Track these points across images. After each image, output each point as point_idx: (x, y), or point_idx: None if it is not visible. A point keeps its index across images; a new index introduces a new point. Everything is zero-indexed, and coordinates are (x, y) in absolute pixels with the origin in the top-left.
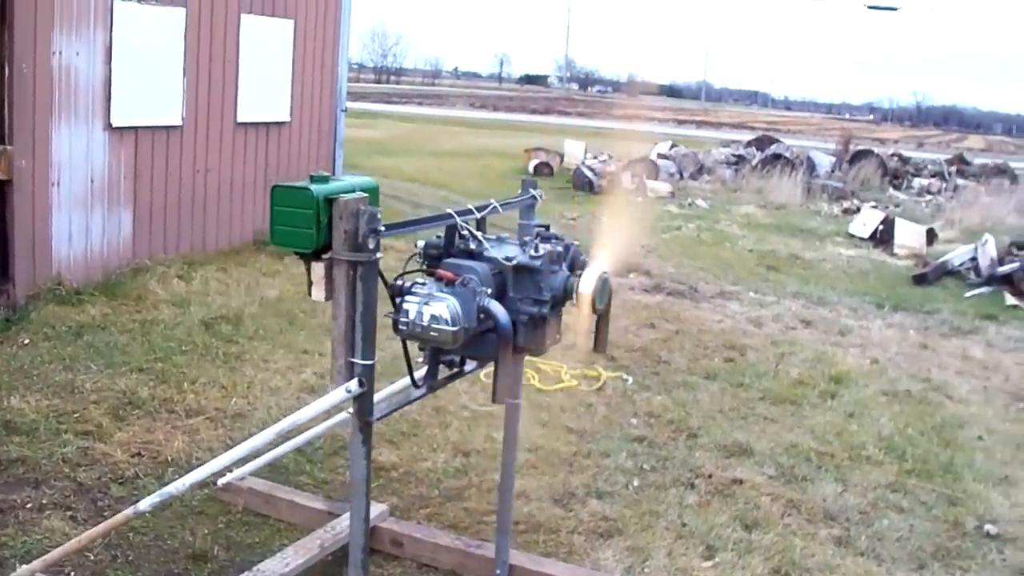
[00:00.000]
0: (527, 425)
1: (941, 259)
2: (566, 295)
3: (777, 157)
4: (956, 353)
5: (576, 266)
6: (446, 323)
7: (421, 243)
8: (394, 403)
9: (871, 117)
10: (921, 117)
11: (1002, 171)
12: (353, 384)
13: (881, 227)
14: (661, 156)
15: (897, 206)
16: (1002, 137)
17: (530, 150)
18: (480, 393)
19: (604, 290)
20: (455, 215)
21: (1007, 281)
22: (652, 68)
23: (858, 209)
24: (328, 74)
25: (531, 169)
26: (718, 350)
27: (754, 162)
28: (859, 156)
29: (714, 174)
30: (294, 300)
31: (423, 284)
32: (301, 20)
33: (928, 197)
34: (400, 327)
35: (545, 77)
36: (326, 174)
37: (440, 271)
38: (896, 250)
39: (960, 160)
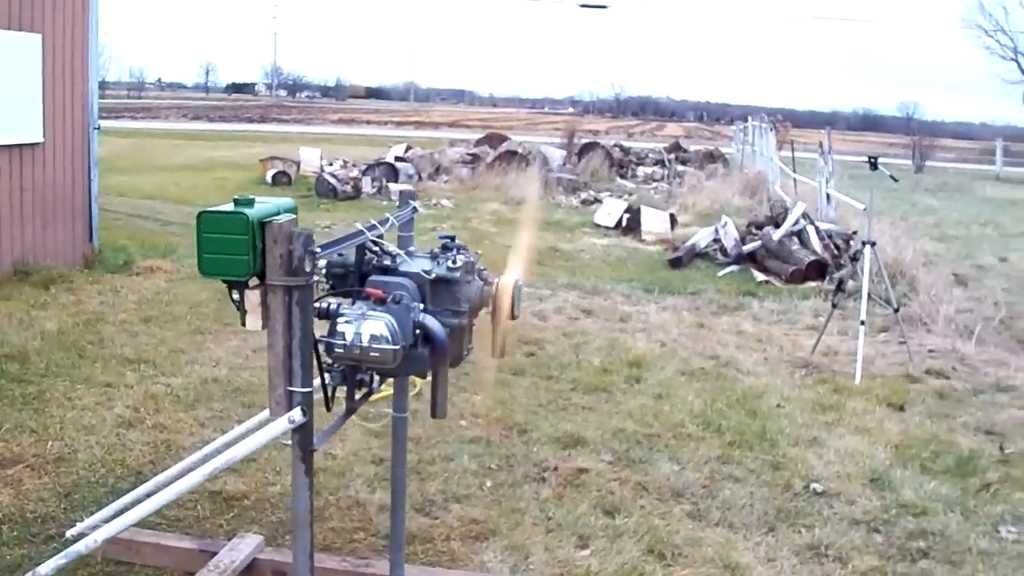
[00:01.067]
0: (362, 439)
1: (689, 242)
2: (481, 304)
3: (512, 154)
4: (730, 329)
5: (479, 276)
6: (387, 342)
7: (322, 263)
8: (327, 430)
9: (571, 110)
10: (620, 108)
11: (714, 157)
12: (296, 413)
13: (627, 215)
14: (399, 159)
15: (630, 195)
16: (695, 124)
17: (265, 160)
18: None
19: (519, 297)
20: (365, 231)
21: (751, 259)
22: (358, 71)
23: (595, 200)
24: (79, 90)
25: (269, 179)
26: (516, 345)
27: (489, 160)
28: (587, 148)
29: (452, 174)
30: (76, 331)
31: (350, 305)
32: (49, 35)
33: (654, 184)
34: (336, 350)
35: (252, 85)
36: (251, 196)
37: (369, 289)
38: (644, 236)
39: (678, 148)
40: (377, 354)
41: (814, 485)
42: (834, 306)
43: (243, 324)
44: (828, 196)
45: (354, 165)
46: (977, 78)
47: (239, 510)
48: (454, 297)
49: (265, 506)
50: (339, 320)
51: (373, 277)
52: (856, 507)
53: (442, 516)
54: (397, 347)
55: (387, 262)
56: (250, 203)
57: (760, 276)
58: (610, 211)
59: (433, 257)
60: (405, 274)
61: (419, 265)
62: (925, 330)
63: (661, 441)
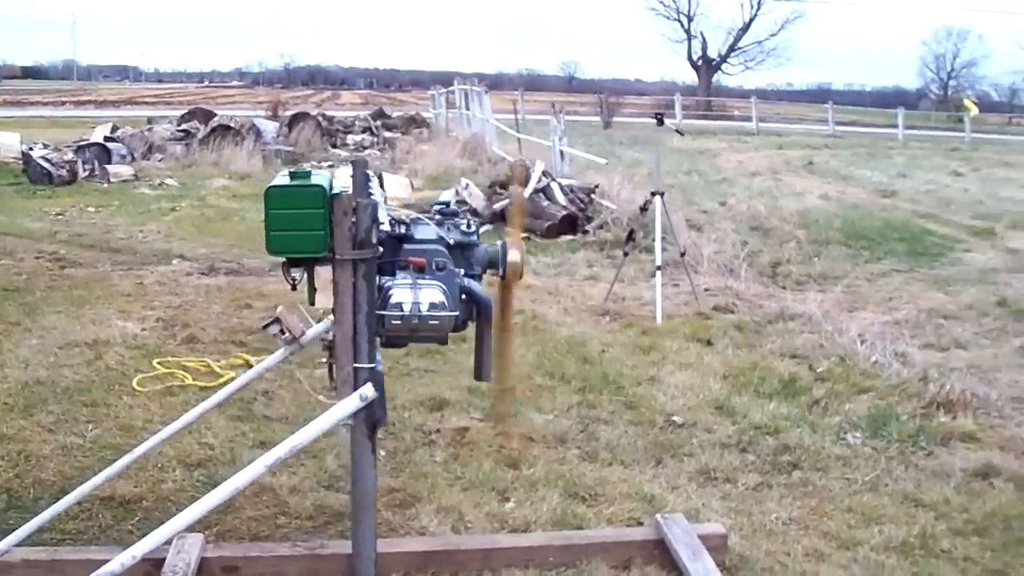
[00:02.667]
0: (228, 425)
1: (437, 205)
2: (489, 266)
3: (226, 128)
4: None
5: None
6: (445, 308)
7: None
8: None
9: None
10: (290, 78)
11: (417, 122)
12: (368, 390)
13: None
14: (108, 138)
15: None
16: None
17: None
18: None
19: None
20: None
21: (502, 217)
22: (10, 51)
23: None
24: None
25: None
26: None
27: (201, 135)
28: (296, 119)
29: (165, 152)
30: None
31: (391, 276)
32: None
33: (366, 151)
34: (393, 322)
35: None
36: (307, 169)
37: (411, 258)
38: (389, 202)
39: (382, 115)
40: (436, 322)
41: (674, 418)
42: (625, 255)
43: (312, 303)
44: (562, 153)
45: (65, 148)
46: (640, 38)
47: (142, 514)
48: (469, 261)
49: (167, 506)
50: (392, 291)
51: (408, 246)
52: (717, 433)
53: None
54: (456, 313)
55: (402, 231)
56: (309, 175)
57: (520, 233)
58: (345, 181)
59: (438, 224)
60: (427, 240)
61: (432, 232)
62: (693, 271)
63: (518, 394)
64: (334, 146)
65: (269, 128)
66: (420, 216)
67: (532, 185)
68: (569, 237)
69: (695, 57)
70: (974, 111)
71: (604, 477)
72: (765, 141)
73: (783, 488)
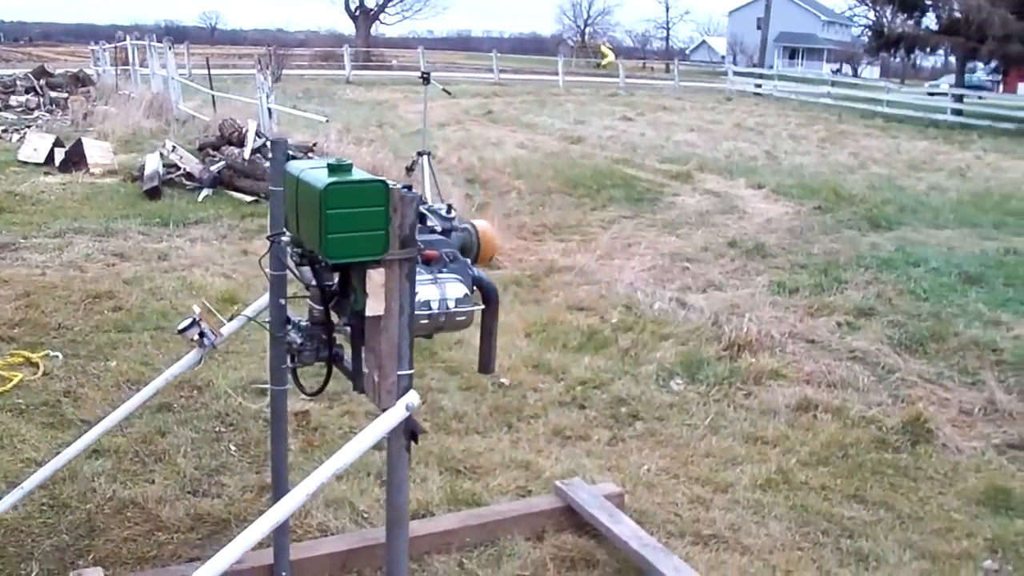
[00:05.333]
0: (40, 433)
1: (147, 171)
2: (464, 251)
3: None
4: None
5: None
6: (470, 302)
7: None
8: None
9: None
10: None
11: (82, 80)
12: (413, 398)
13: (58, 148)
14: None
15: (28, 126)
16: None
17: None
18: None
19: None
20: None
21: (221, 181)
22: None
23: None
24: None
25: None
26: (98, 302)
27: None
28: None
29: None
30: None
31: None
32: None
33: (35, 114)
34: (421, 321)
35: None
36: (347, 161)
37: (426, 251)
38: (93, 169)
39: (45, 72)
40: (463, 317)
41: (502, 380)
42: None
43: (361, 310)
44: (271, 111)
45: None
46: None
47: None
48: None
49: (26, 537)
50: (417, 287)
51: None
52: (549, 392)
53: (228, 493)
54: (482, 305)
55: None
56: (350, 168)
57: (245, 197)
58: (36, 146)
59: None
60: (433, 231)
61: (434, 221)
62: None
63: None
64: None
65: None
66: None
67: (250, 145)
68: None
69: (352, 7)
70: (611, 57)
71: (469, 448)
72: (437, 90)
73: (636, 440)
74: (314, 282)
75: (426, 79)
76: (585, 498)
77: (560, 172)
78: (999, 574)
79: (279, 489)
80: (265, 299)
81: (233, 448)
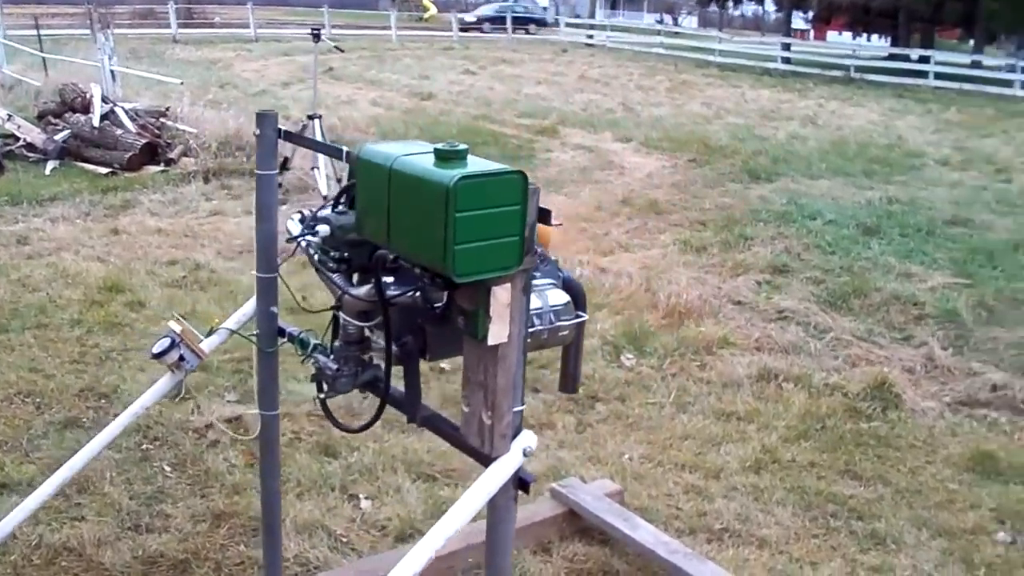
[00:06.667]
0: None
1: None
2: None
3: None
4: (149, 230)
5: None
6: (572, 312)
7: (324, 229)
8: None
9: None
10: None
11: None
12: (531, 439)
13: None
14: None
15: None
16: None
17: None
18: None
19: None
20: None
21: (67, 152)
22: None
23: None
24: None
25: None
26: None
27: None
28: None
29: None
30: None
31: None
32: None
33: None
34: (527, 341)
35: None
36: (460, 145)
37: None
38: None
39: None
40: (566, 331)
41: (441, 364)
42: (280, 185)
43: (481, 338)
44: (113, 74)
45: None
46: None
47: None
48: None
49: None
50: None
51: None
52: None
53: (176, 524)
54: (585, 316)
55: None
56: (466, 154)
57: (99, 168)
58: None
59: None
60: None
61: None
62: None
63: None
64: None
65: None
66: None
67: (97, 112)
68: (155, 169)
69: None
70: (432, 10)
71: (434, 448)
72: (269, 48)
73: (605, 425)
74: (354, 291)
75: (316, 36)
76: (589, 501)
77: (426, 130)
78: (1016, 544)
79: (271, 533)
80: (248, 307)
81: (168, 468)
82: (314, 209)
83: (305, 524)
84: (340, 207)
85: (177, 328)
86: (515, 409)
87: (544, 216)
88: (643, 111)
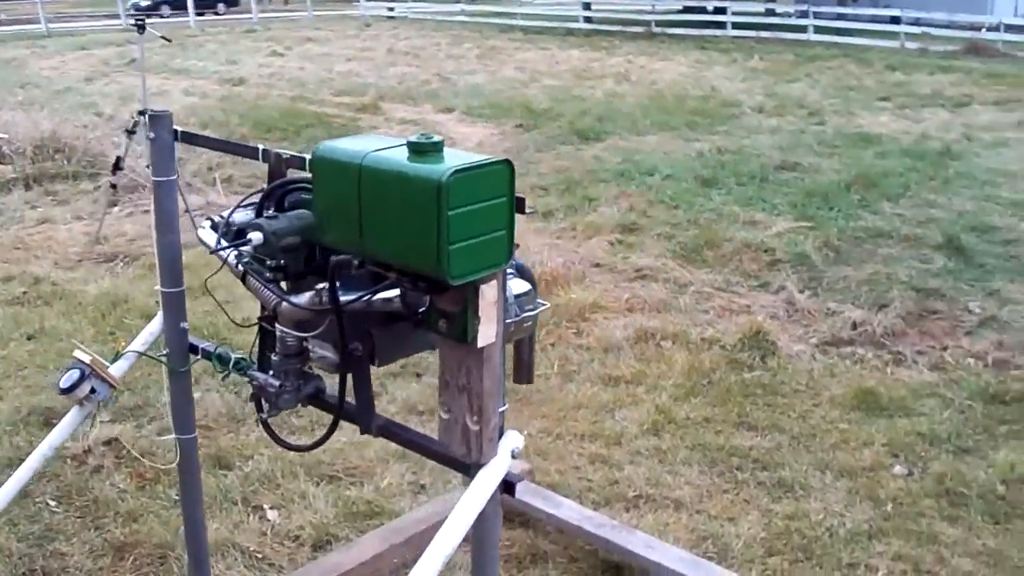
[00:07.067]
0: None
1: None
2: None
3: None
4: None
5: None
6: (535, 297)
7: (256, 237)
8: None
9: None
10: None
11: None
12: (517, 440)
13: None
14: None
15: None
16: None
17: None
18: None
19: None
20: None
21: None
22: None
23: None
24: None
25: None
26: None
27: None
28: None
29: None
30: None
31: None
32: None
33: None
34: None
35: None
36: (435, 137)
37: None
38: None
39: None
40: (530, 322)
41: None
42: (114, 187)
43: (468, 340)
44: None
45: None
46: None
47: None
48: None
49: None
50: None
51: None
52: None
53: (75, 562)
54: (545, 304)
55: None
56: (442, 146)
57: None
58: None
59: None
60: None
61: None
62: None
63: None
64: None
65: None
66: None
67: None
68: None
69: None
70: None
71: (328, 447)
72: (64, 43)
73: None
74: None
75: (141, 28)
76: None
77: (246, 117)
78: (912, 476)
79: (200, 567)
80: (154, 325)
81: (52, 503)
82: (223, 216)
83: (215, 544)
84: (265, 211)
85: (85, 358)
86: (500, 410)
87: (519, 205)
88: (459, 80)
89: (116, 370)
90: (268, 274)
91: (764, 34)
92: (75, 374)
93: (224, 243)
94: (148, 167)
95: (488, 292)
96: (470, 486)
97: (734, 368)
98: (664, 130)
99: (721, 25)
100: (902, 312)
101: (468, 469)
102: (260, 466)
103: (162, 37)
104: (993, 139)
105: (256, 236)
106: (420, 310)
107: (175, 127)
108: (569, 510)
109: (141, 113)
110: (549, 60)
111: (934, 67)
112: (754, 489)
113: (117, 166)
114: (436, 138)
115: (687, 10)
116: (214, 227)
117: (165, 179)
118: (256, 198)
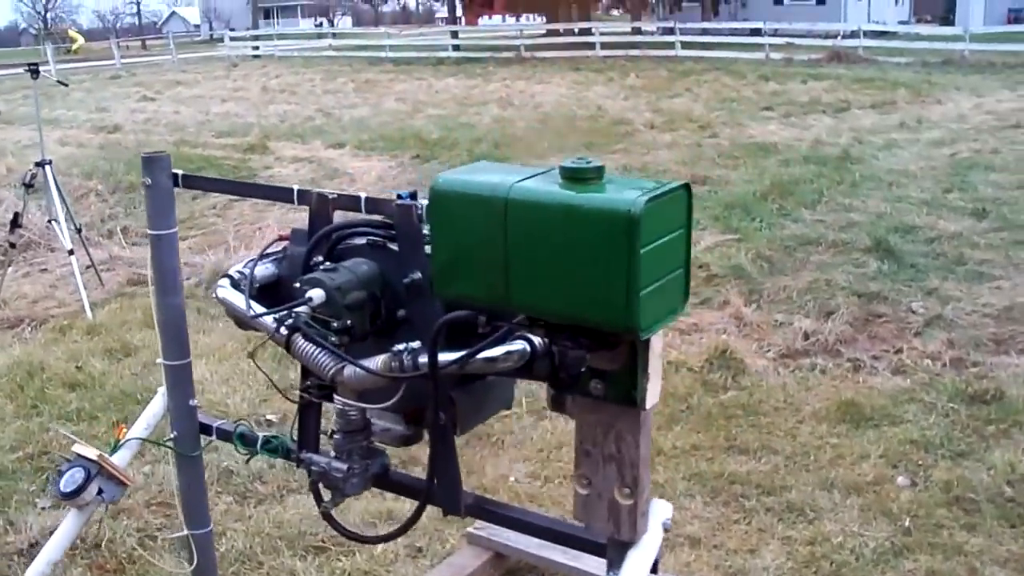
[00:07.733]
0: None
1: None
2: None
3: None
4: None
5: None
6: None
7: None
8: None
9: None
10: None
11: None
12: (668, 509)
13: None
14: None
15: None
16: None
17: None
18: None
19: None
20: None
21: None
22: None
23: None
24: None
25: None
26: None
27: None
28: None
29: None
30: None
31: None
32: None
33: None
34: None
35: None
36: (592, 160)
37: None
38: None
39: None
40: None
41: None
42: (13, 246)
43: (637, 404)
44: None
45: None
46: None
47: None
48: None
49: None
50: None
51: None
52: None
53: None
54: None
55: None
56: (603, 171)
57: None
58: None
59: None
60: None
61: None
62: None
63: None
64: None
65: None
66: None
67: None
68: None
69: None
70: (80, 41)
71: (304, 513)
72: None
73: (469, 449)
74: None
75: (35, 72)
76: (515, 538)
77: (132, 164)
78: (917, 487)
79: None
80: (157, 406)
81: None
82: (241, 270)
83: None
84: (318, 263)
85: (89, 453)
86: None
87: None
88: (343, 114)
89: (120, 461)
90: (334, 337)
91: (633, 52)
92: (79, 474)
93: (255, 304)
94: (49, 222)
95: (656, 344)
96: (622, 570)
97: (708, 390)
98: (564, 152)
99: (590, 46)
100: (849, 318)
101: (606, 550)
102: (235, 544)
103: (59, 81)
104: (884, 141)
105: (317, 294)
106: (578, 371)
107: (175, 171)
108: (592, 560)
109: (38, 164)
110: (427, 90)
111: (805, 75)
112: (765, 516)
113: (16, 223)
114: (596, 162)
115: (550, 33)
116: (234, 284)
117: (165, 232)
118: (277, 247)
